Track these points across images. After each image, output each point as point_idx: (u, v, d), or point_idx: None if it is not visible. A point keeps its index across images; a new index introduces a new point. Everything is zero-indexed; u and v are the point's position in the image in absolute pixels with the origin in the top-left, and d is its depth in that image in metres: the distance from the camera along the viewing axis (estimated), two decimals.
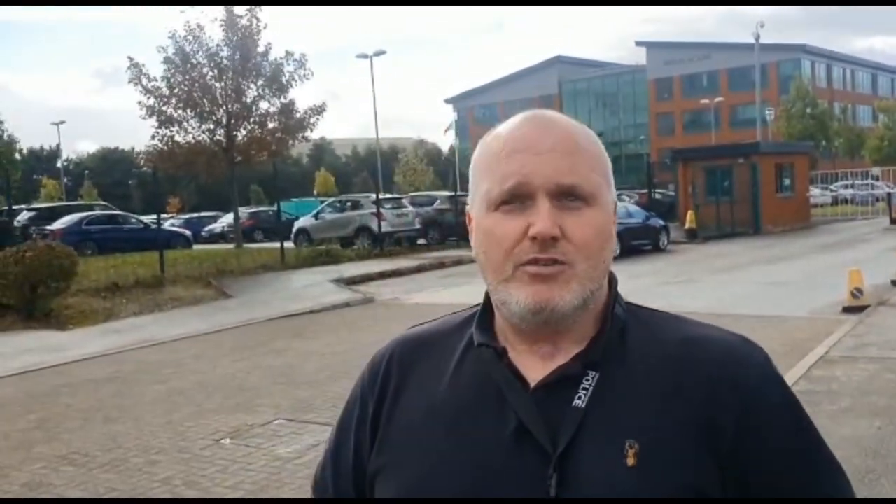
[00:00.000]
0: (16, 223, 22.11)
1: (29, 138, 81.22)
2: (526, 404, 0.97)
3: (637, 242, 20.98)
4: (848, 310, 10.67)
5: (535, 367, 1.00)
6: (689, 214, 25.18)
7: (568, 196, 0.97)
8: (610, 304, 1.05)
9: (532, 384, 0.99)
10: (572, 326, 1.00)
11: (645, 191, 32.09)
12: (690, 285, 14.80)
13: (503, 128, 1.03)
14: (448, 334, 1.11)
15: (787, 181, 29.49)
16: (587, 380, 0.98)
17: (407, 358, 1.10)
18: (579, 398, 0.97)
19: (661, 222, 22.63)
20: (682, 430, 0.95)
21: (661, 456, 0.93)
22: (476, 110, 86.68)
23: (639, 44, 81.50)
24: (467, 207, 1.07)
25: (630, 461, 0.93)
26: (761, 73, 46.23)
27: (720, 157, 29.26)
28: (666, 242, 22.27)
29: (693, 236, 24.46)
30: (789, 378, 7.21)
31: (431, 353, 1.09)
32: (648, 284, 15.12)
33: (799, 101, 54.43)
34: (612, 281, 1.07)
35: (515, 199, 0.97)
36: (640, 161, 65.19)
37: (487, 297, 1.06)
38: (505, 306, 0.99)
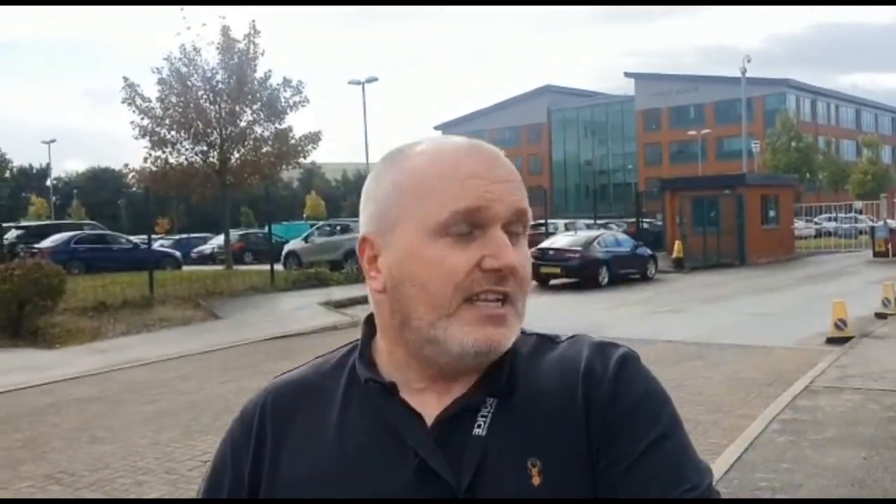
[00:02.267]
0: (4, 241, 22.01)
1: (17, 156, 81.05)
2: (425, 440, 0.92)
3: (625, 271, 21.16)
4: (832, 341, 10.78)
5: (429, 403, 0.95)
6: (677, 244, 25.35)
7: (516, 224, 0.94)
8: None
9: (429, 419, 0.93)
10: None
11: (633, 220, 32.30)
12: (677, 314, 14.90)
13: (445, 150, 0.95)
14: (326, 376, 1.02)
15: (772, 213, 29.74)
16: (486, 407, 0.94)
17: (283, 407, 1.01)
18: (479, 426, 0.92)
19: (649, 252, 22.77)
20: (575, 440, 0.92)
21: (563, 469, 0.91)
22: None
23: (627, 75, 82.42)
24: (365, 233, 0.97)
25: (535, 480, 0.90)
26: (747, 106, 46.78)
27: (707, 188, 29.49)
28: (653, 272, 22.40)
29: (680, 266, 24.59)
30: (774, 407, 7.29)
31: (311, 399, 1.00)
32: (636, 313, 15.23)
33: (784, 134, 55.08)
34: None
35: (469, 225, 0.91)
36: (627, 190, 65.71)
37: (368, 330, 1.02)
38: (436, 345, 0.92)
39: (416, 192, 0.93)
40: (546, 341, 1.02)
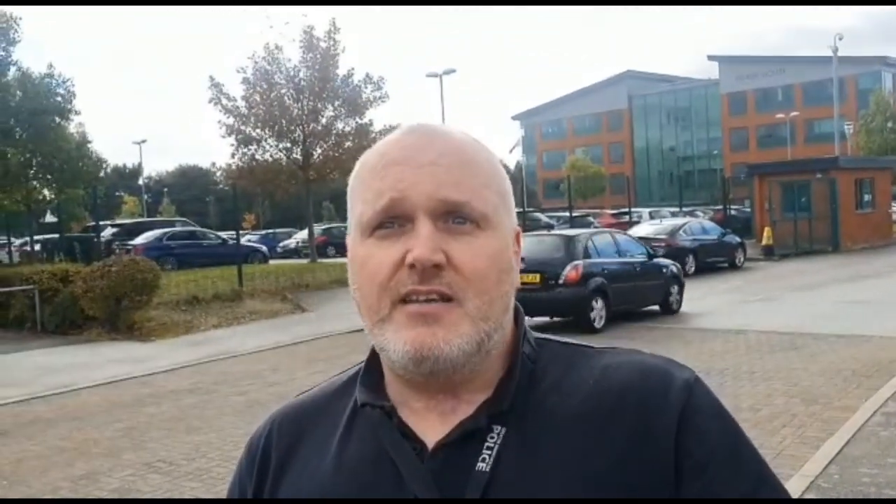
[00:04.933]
0: (101, 239, 22.94)
1: (111, 157, 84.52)
2: (420, 474, 0.82)
3: (712, 259, 20.71)
4: None
5: (433, 426, 0.85)
6: (766, 231, 24.64)
7: (455, 216, 0.82)
8: (518, 341, 0.89)
9: (431, 445, 0.84)
10: (472, 374, 0.84)
11: (720, 207, 31.53)
12: (769, 303, 14.46)
13: (383, 141, 0.88)
14: (336, 397, 0.95)
15: (867, 197, 28.62)
16: (492, 437, 0.83)
17: (288, 432, 0.94)
18: (483, 460, 0.81)
19: (738, 239, 22.24)
20: (612, 481, 0.80)
21: None
22: (543, 126, 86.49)
23: (711, 58, 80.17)
24: (347, 237, 0.90)
25: None
26: (839, 86, 44.96)
27: (797, 173, 28.54)
28: (742, 260, 21.85)
29: (770, 253, 23.91)
30: (877, 399, 7.00)
31: (318, 423, 0.93)
32: (726, 302, 14.86)
33: (879, 114, 52.78)
34: (518, 314, 0.91)
35: (392, 220, 0.82)
36: (712, 177, 64.07)
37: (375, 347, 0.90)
38: (384, 353, 0.84)
39: (353, 191, 0.87)
40: (585, 353, 0.90)
